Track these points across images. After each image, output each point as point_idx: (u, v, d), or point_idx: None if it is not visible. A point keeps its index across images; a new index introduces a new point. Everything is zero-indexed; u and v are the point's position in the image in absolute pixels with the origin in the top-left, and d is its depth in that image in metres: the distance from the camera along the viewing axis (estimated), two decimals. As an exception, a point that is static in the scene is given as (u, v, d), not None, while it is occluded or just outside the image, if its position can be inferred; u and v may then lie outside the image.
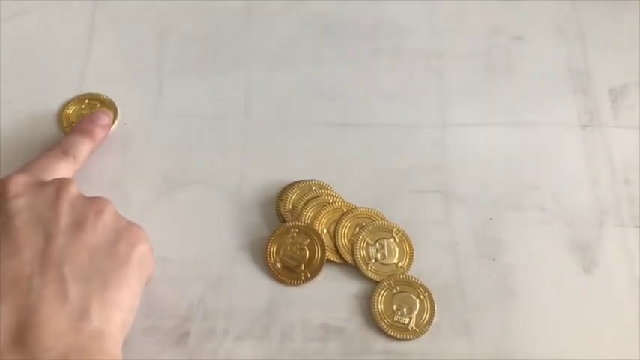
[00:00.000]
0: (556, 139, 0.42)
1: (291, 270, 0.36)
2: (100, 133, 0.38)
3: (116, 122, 0.42)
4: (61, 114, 0.42)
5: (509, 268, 0.37)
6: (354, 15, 0.47)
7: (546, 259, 0.38)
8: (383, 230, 0.38)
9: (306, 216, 0.38)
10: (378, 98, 0.43)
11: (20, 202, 0.30)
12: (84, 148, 0.37)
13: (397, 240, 0.37)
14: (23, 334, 0.26)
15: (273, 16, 0.46)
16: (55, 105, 0.42)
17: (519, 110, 0.43)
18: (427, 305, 0.35)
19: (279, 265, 0.36)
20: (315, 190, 0.39)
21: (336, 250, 0.37)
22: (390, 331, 0.35)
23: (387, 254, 0.37)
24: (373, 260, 0.37)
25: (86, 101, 0.42)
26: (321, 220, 0.38)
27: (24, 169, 0.34)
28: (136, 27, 0.46)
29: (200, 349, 0.34)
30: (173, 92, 0.43)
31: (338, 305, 0.36)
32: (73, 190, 0.32)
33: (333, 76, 0.44)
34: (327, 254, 0.37)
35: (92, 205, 0.31)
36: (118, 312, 0.29)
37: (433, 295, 0.36)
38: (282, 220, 0.38)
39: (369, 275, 0.36)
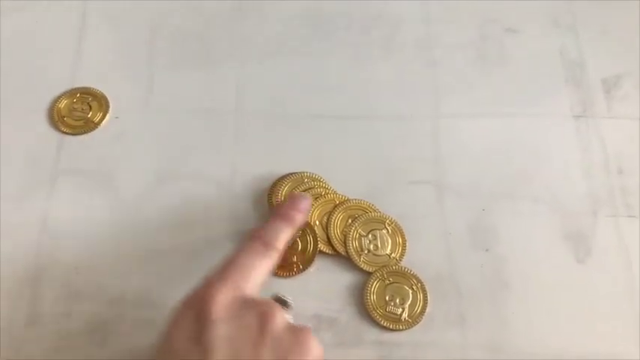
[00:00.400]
0: (549, 129, 0.42)
1: (284, 261, 0.36)
2: (301, 220, 0.34)
3: (107, 116, 0.41)
4: (52, 108, 0.41)
5: (503, 259, 0.37)
6: (346, 7, 0.46)
7: (540, 250, 0.37)
8: (375, 221, 0.37)
9: None
10: (371, 90, 0.43)
11: (222, 331, 0.27)
12: (285, 237, 0.32)
13: (390, 231, 0.37)
14: None
15: (265, 9, 0.46)
16: (46, 99, 0.42)
17: (512, 101, 0.43)
18: (420, 296, 0.35)
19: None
20: (307, 182, 0.39)
21: (329, 242, 0.37)
22: (382, 322, 0.34)
23: (379, 245, 0.37)
24: (366, 251, 0.36)
25: (78, 95, 0.42)
26: (313, 211, 0.37)
27: (224, 271, 0.30)
28: (127, 21, 0.45)
29: (192, 342, 0.34)
30: (164, 86, 0.43)
31: (330, 296, 0.36)
32: (277, 325, 0.28)
33: (325, 69, 0.44)
34: (319, 246, 0.37)
35: (296, 343, 0.27)
36: None
37: (426, 286, 0.36)
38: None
39: (362, 266, 0.36)
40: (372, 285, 0.36)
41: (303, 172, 0.39)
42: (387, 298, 0.35)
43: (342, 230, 0.37)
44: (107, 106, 0.42)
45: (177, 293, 0.35)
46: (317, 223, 0.37)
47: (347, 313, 0.35)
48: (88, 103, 0.42)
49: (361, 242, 0.37)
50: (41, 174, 0.39)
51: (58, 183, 0.39)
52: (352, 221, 0.37)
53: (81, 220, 0.38)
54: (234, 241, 0.37)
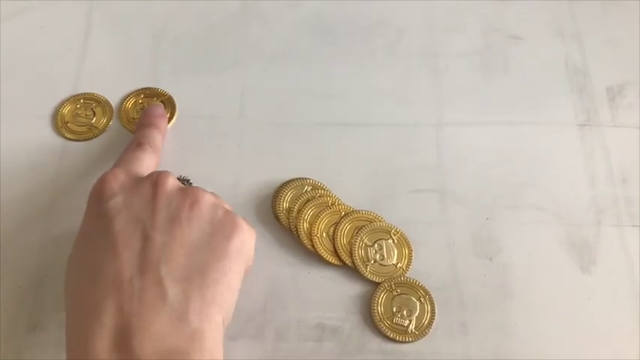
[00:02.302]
0: (553, 138, 0.42)
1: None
2: (161, 121, 0.39)
3: (111, 122, 0.41)
4: (56, 113, 0.41)
5: (506, 268, 0.37)
6: (349, 14, 0.46)
7: (543, 259, 0.37)
8: (381, 231, 0.37)
9: (305, 216, 0.37)
10: (374, 98, 0.43)
11: (118, 202, 0.30)
12: (153, 135, 0.37)
13: (396, 241, 0.37)
14: (124, 337, 0.26)
15: (269, 17, 0.46)
16: (50, 104, 0.42)
17: (516, 109, 0.43)
18: (427, 308, 0.35)
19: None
20: (310, 190, 0.38)
21: (335, 253, 0.37)
22: (389, 334, 0.34)
23: (385, 255, 0.37)
24: (372, 261, 0.36)
25: (81, 101, 0.42)
26: (320, 222, 0.37)
27: (113, 166, 0.34)
28: (131, 27, 0.46)
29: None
30: (168, 92, 0.43)
31: (333, 305, 0.35)
32: (168, 184, 0.31)
33: (329, 76, 0.44)
34: (326, 257, 0.36)
35: (186, 197, 0.30)
36: (218, 311, 0.28)
37: (434, 298, 0.35)
38: (277, 218, 0.38)
39: (368, 276, 0.36)
40: (379, 296, 0.35)
41: (306, 179, 0.39)
42: (394, 309, 0.35)
43: (349, 241, 0.37)
44: (111, 112, 0.42)
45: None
46: (324, 234, 0.37)
47: (350, 322, 0.35)
48: (91, 109, 0.42)
49: (367, 252, 0.36)
50: (44, 179, 0.39)
51: (61, 189, 0.39)
52: (358, 231, 0.37)
53: (84, 226, 0.38)
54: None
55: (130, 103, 0.42)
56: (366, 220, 0.38)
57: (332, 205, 0.38)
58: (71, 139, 0.41)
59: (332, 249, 0.37)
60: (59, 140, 0.41)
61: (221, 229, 0.30)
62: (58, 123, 0.41)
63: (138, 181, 0.31)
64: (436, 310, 0.35)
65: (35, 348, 0.34)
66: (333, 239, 0.37)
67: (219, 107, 0.42)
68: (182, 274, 0.28)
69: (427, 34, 0.46)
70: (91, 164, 0.40)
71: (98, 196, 0.31)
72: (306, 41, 0.45)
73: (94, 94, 0.42)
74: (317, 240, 0.37)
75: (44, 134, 0.41)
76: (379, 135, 0.41)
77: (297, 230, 0.37)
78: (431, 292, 0.36)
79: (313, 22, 0.46)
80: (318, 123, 0.42)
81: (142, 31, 0.45)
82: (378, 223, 0.37)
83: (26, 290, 0.36)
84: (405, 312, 0.35)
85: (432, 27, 0.46)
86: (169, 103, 0.42)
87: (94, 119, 0.41)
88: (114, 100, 0.42)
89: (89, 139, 0.41)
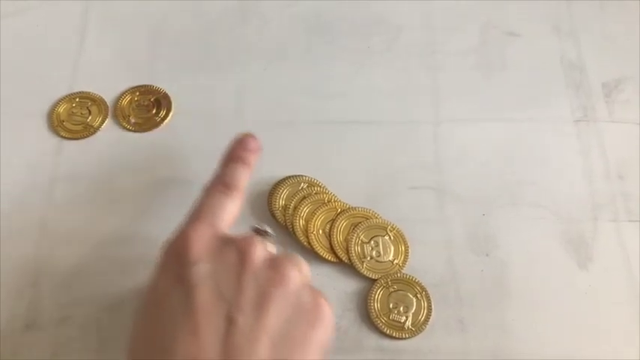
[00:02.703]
0: (550, 134, 0.42)
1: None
2: (253, 158, 0.34)
3: (107, 120, 0.41)
4: (51, 112, 0.41)
5: (503, 264, 0.37)
6: (347, 13, 0.46)
7: (540, 255, 0.37)
8: (377, 228, 0.37)
9: (301, 213, 0.37)
10: (372, 96, 0.43)
11: (203, 270, 0.27)
12: (243, 177, 0.33)
13: (392, 238, 0.37)
14: None
15: (266, 15, 0.46)
16: (46, 103, 0.42)
17: (513, 106, 0.43)
18: (424, 304, 0.35)
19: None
20: (306, 187, 0.38)
21: (332, 250, 0.37)
22: (386, 330, 0.34)
23: (382, 252, 0.37)
24: (368, 258, 0.36)
25: (77, 100, 0.42)
26: (316, 219, 0.37)
27: (195, 215, 0.31)
28: (127, 25, 0.45)
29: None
30: (165, 90, 0.42)
31: (330, 302, 0.35)
32: (256, 257, 0.28)
33: (326, 74, 0.44)
34: (322, 254, 0.36)
35: (275, 276, 0.28)
36: None
37: (430, 294, 0.35)
38: (273, 216, 0.38)
39: (365, 273, 0.36)
40: (375, 292, 0.35)
41: (302, 176, 0.39)
42: (390, 305, 0.35)
43: (345, 238, 0.37)
44: (106, 111, 0.42)
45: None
46: (320, 231, 0.37)
47: (347, 319, 0.35)
48: (87, 108, 0.42)
49: (363, 249, 0.36)
50: (40, 178, 0.39)
51: (57, 187, 0.39)
52: (354, 228, 0.37)
53: (80, 224, 0.38)
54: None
55: (125, 101, 0.42)
56: (362, 217, 0.38)
57: (328, 202, 0.38)
58: (67, 138, 0.41)
59: (328, 246, 0.37)
60: (55, 139, 0.41)
61: (306, 316, 0.28)
62: (54, 122, 0.41)
63: (223, 244, 0.29)
64: (433, 306, 0.35)
65: (31, 347, 0.34)
66: (329, 236, 0.37)
67: (215, 105, 0.42)
68: None
69: (425, 32, 0.46)
70: (87, 163, 0.40)
71: (180, 257, 0.28)
72: (304, 40, 0.45)
73: (89, 92, 0.42)
74: (313, 237, 0.37)
75: (40, 133, 0.41)
76: (377, 133, 0.41)
77: (293, 227, 0.37)
78: (427, 289, 0.36)
79: (311, 20, 0.46)
80: (316, 121, 0.42)
81: (138, 29, 0.45)
82: (374, 219, 0.37)
83: (22, 289, 0.36)
84: (401, 308, 0.35)
85: (429, 25, 0.46)
86: (165, 100, 0.42)
87: (90, 118, 0.41)
88: (110, 98, 0.42)
89: (85, 137, 0.41)
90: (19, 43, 0.44)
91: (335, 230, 0.37)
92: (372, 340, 0.34)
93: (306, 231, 0.37)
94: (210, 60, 0.44)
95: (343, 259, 0.36)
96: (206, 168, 0.39)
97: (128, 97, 0.42)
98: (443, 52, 0.45)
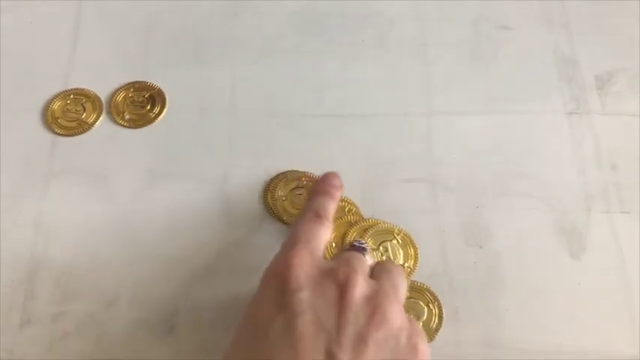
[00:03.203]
0: (543, 126, 0.42)
1: None
2: (337, 194, 0.35)
3: (101, 117, 0.41)
4: (46, 109, 0.41)
5: (497, 255, 0.37)
6: (339, 6, 0.46)
7: (534, 246, 0.37)
8: (385, 233, 0.37)
9: (299, 207, 0.37)
10: (364, 89, 0.43)
11: (304, 298, 0.28)
12: (331, 208, 0.34)
13: (400, 241, 0.37)
14: None
15: (258, 9, 0.46)
16: (40, 100, 0.42)
17: (506, 98, 0.43)
18: (435, 312, 0.35)
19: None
20: (304, 184, 0.38)
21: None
22: None
23: (391, 257, 0.36)
24: None
25: (71, 96, 0.42)
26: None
27: (293, 241, 0.31)
28: (121, 21, 0.45)
29: (187, 341, 0.34)
30: (158, 85, 0.43)
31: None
32: (356, 292, 0.28)
33: (319, 68, 0.44)
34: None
35: (375, 314, 0.28)
36: None
37: (442, 304, 0.35)
38: (269, 210, 0.38)
39: None
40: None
41: (297, 171, 0.39)
42: None
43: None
44: (101, 107, 0.42)
45: (172, 293, 0.35)
46: (333, 244, 0.37)
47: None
48: (81, 104, 0.42)
49: (373, 255, 0.36)
50: (35, 175, 0.39)
51: (52, 184, 0.39)
52: (362, 235, 0.37)
53: (75, 220, 0.38)
54: (228, 241, 0.37)
55: (119, 97, 0.42)
56: (369, 225, 0.37)
57: (342, 217, 0.37)
58: (61, 135, 0.41)
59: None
60: (49, 136, 0.41)
61: (403, 358, 0.28)
62: (49, 119, 0.41)
63: (324, 274, 0.29)
64: (444, 315, 0.35)
65: (27, 342, 0.34)
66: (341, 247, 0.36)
67: (209, 100, 0.42)
68: None
69: (417, 24, 0.46)
70: (82, 159, 0.40)
71: (283, 284, 0.29)
72: (296, 33, 0.45)
73: (84, 89, 0.42)
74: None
75: (34, 130, 0.41)
76: (369, 125, 0.42)
77: (289, 221, 0.37)
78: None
79: (303, 14, 0.46)
80: (309, 114, 0.42)
81: (132, 25, 0.45)
82: (382, 224, 0.37)
83: (17, 285, 0.36)
84: (411, 316, 0.34)
85: (421, 17, 0.46)
86: (159, 96, 0.42)
87: (84, 114, 0.41)
88: (105, 94, 0.42)
89: (79, 134, 0.41)
90: (13, 40, 0.44)
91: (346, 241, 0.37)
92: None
93: None
94: (203, 55, 0.44)
95: None
96: (201, 163, 0.40)
97: (123, 94, 0.42)
98: (435, 44, 0.45)
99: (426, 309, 0.35)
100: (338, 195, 0.35)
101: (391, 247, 0.37)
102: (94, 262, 0.37)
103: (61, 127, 0.41)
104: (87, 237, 0.37)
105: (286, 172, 0.39)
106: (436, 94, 0.43)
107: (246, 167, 0.40)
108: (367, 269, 0.31)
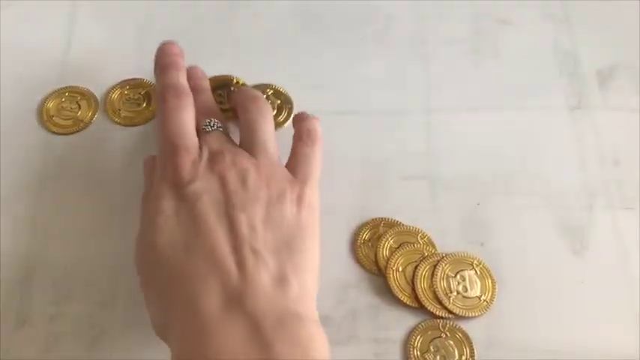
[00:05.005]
0: (544, 122, 0.41)
1: None
2: (182, 61, 0.37)
3: (97, 115, 0.41)
4: (41, 107, 0.41)
5: (498, 253, 0.37)
6: (338, 3, 0.46)
7: (536, 243, 0.37)
8: (462, 262, 0.36)
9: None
10: (363, 86, 0.43)
11: (196, 187, 0.31)
12: (183, 79, 0.36)
13: (478, 273, 0.35)
14: (236, 299, 0.27)
15: (255, 7, 0.46)
16: (35, 98, 0.41)
17: (506, 94, 0.42)
18: (466, 351, 0.33)
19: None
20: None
21: (414, 295, 0.35)
22: None
23: (468, 287, 0.35)
24: (455, 293, 0.34)
25: (66, 94, 0.42)
26: (397, 258, 0.36)
27: (164, 136, 0.34)
28: (116, 19, 0.45)
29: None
30: (154, 83, 0.42)
31: (323, 294, 0.35)
32: (227, 161, 0.32)
33: (317, 65, 0.43)
34: (404, 299, 0.35)
35: (260, 175, 0.32)
36: (309, 275, 0.30)
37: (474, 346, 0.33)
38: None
39: (451, 309, 0.34)
40: (415, 339, 0.33)
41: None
42: (431, 348, 0.33)
43: (429, 285, 0.35)
44: (96, 105, 0.41)
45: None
46: (400, 268, 0.35)
47: (341, 311, 0.35)
48: (77, 102, 0.41)
49: (449, 283, 0.35)
50: (30, 174, 0.39)
51: (47, 183, 0.39)
52: (438, 263, 0.35)
53: (70, 220, 0.37)
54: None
55: (115, 95, 0.42)
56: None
57: (414, 244, 0.36)
58: (57, 133, 0.40)
59: (410, 290, 0.35)
60: (44, 134, 0.40)
61: (290, 204, 0.32)
62: (44, 117, 0.41)
63: (204, 164, 0.32)
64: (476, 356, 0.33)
65: (23, 343, 0.34)
66: (412, 282, 0.35)
67: (206, 98, 0.42)
68: (272, 245, 0.30)
69: (416, 20, 0.45)
70: (78, 158, 0.39)
71: (174, 184, 0.32)
72: (294, 31, 0.45)
73: (79, 87, 0.42)
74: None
75: (29, 128, 0.40)
76: (368, 123, 0.41)
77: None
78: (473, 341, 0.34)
79: (300, 11, 0.46)
80: (308, 112, 0.41)
81: (127, 22, 0.45)
82: (460, 253, 0.36)
83: (13, 286, 0.35)
84: (438, 357, 0.33)
85: (420, 13, 0.46)
86: (155, 94, 0.42)
87: (80, 112, 0.41)
88: (100, 92, 0.42)
89: (75, 132, 0.40)
90: (6, 38, 0.44)
91: (419, 275, 0.35)
92: (367, 331, 0.34)
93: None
94: (199, 52, 0.43)
95: (426, 305, 0.34)
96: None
97: (118, 91, 0.42)
98: (434, 40, 0.44)
99: (456, 351, 0.33)
100: (183, 62, 0.37)
101: (469, 276, 0.35)
102: (90, 262, 0.36)
103: (57, 125, 0.40)
104: (83, 237, 0.37)
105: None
106: (436, 90, 0.42)
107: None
108: (226, 140, 0.34)
